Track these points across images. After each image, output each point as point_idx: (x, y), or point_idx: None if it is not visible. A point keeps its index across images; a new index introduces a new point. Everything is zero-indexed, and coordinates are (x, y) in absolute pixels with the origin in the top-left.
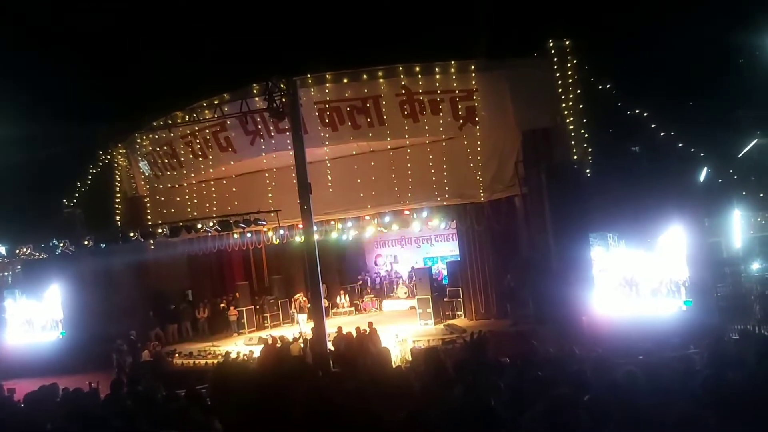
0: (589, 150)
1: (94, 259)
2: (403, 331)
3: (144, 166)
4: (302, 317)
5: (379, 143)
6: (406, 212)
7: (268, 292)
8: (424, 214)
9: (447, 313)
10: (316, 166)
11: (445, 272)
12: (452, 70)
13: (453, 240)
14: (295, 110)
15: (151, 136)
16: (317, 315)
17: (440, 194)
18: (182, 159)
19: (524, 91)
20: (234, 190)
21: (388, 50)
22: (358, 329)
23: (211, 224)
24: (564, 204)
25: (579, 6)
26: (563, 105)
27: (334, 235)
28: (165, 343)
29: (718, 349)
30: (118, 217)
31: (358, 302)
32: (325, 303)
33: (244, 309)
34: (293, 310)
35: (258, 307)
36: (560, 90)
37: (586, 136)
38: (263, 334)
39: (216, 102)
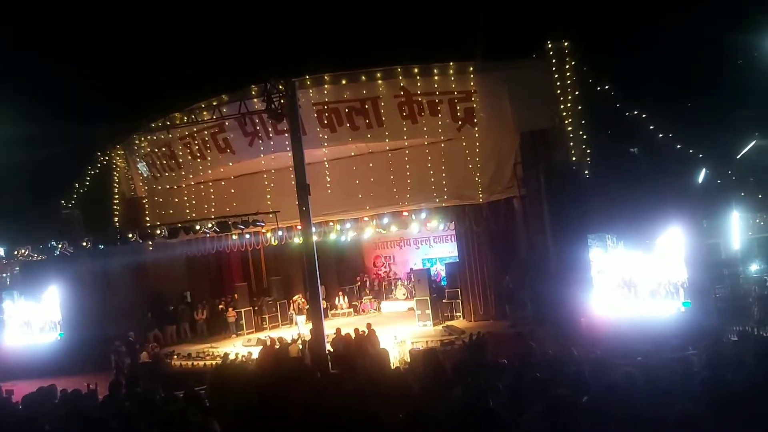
0: (588, 151)
1: (92, 261)
2: (401, 332)
3: (142, 167)
4: (301, 318)
5: (377, 144)
6: (405, 213)
7: (267, 293)
8: (423, 215)
9: (446, 314)
10: (314, 167)
11: (443, 273)
12: (451, 71)
13: (451, 241)
14: (294, 111)
15: (149, 137)
16: (316, 316)
17: (439, 195)
18: (181, 160)
19: (523, 92)
20: (232, 191)
21: (386, 51)
22: (356, 330)
23: (209, 225)
24: (562, 205)
25: (577, 7)
26: (562, 106)
27: (332, 236)
28: (163, 344)
29: (716, 351)
30: (116, 219)
31: (356, 303)
32: (323, 304)
33: (242, 310)
34: (292, 311)
35: (256, 308)
36: (559, 91)
37: (585, 137)
38: (262, 335)
39: (214, 103)
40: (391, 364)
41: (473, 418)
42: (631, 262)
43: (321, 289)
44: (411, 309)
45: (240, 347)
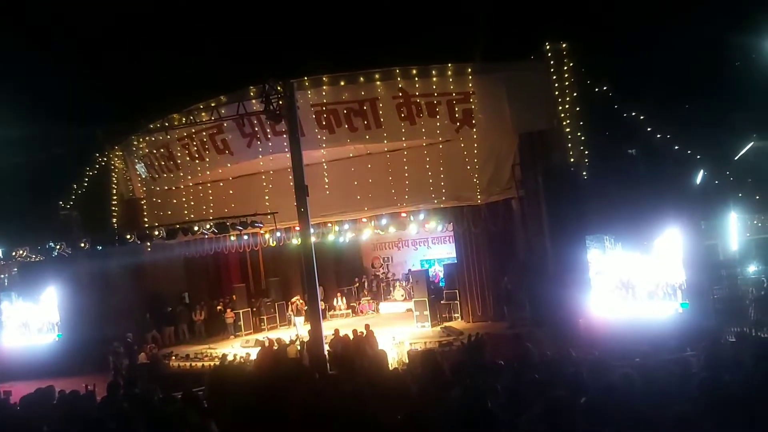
0: (586, 153)
1: (90, 262)
2: (400, 333)
3: (141, 168)
4: (299, 320)
5: (376, 146)
6: (403, 214)
7: (265, 294)
8: (421, 216)
9: (444, 315)
10: (313, 168)
11: (442, 274)
12: (449, 72)
13: (450, 242)
14: (292, 113)
15: (147, 138)
16: (314, 317)
17: (437, 197)
18: (179, 161)
19: (521, 93)
20: (231, 192)
21: (385, 52)
22: (354, 331)
23: (207, 226)
24: (561, 206)
25: (576, 8)
26: (560, 107)
27: (331, 237)
28: (162, 345)
29: (714, 352)
30: (114, 220)
31: (355, 304)
32: (321, 305)
33: (240, 311)
34: (290, 312)
35: (255, 309)
36: (557, 93)
37: (583, 138)
38: (260, 336)
39: (213, 104)
40: (390, 365)
41: (471, 419)
42: (629, 263)
43: (319, 290)
44: (409, 310)
45: (238, 348)
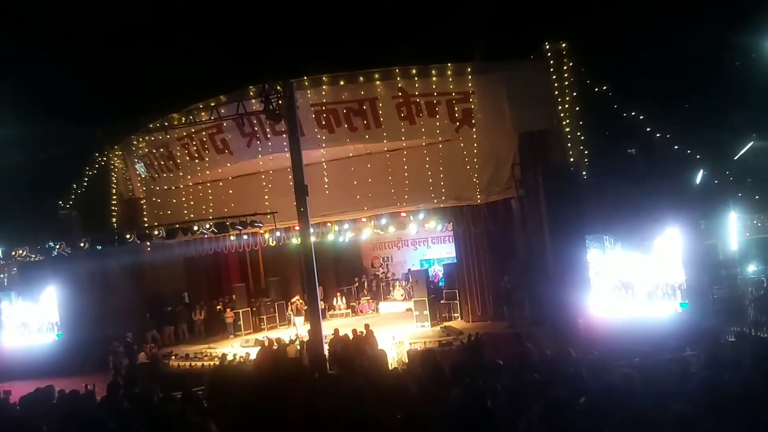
0: (586, 152)
1: (90, 261)
2: (399, 333)
3: (140, 167)
4: (299, 319)
5: (375, 145)
6: (403, 214)
7: (265, 294)
8: (421, 216)
9: (444, 315)
10: (312, 168)
11: (441, 274)
12: (449, 72)
13: (450, 242)
14: (292, 112)
15: (147, 137)
16: (314, 317)
17: (437, 196)
18: (179, 161)
19: (521, 93)
20: (230, 192)
21: (384, 52)
22: (354, 331)
23: (207, 226)
24: (560, 206)
25: (575, 8)
26: (560, 107)
27: (330, 237)
28: (161, 345)
29: (714, 352)
30: (114, 219)
31: (354, 304)
32: (321, 305)
33: (240, 311)
34: (290, 312)
35: (254, 309)
36: (557, 92)
37: (583, 138)
38: (260, 336)
39: (212, 104)
40: (389, 365)
41: (471, 418)
42: (628, 263)
43: (319, 290)
44: (409, 310)
45: (238, 348)
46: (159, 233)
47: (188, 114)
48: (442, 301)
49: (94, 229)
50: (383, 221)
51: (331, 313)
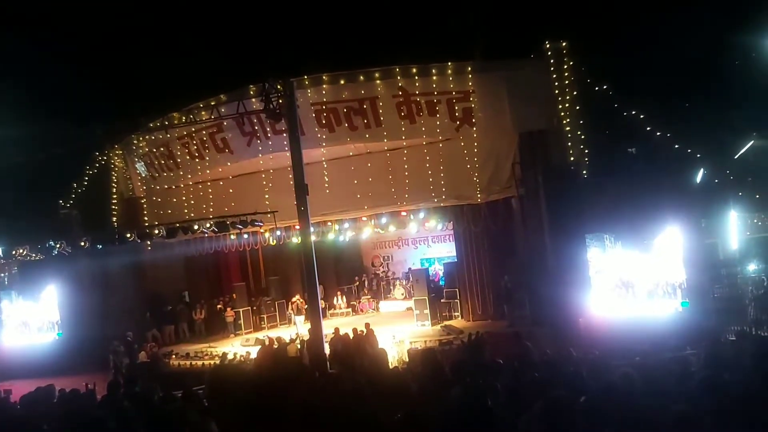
0: (586, 151)
1: (90, 261)
2: (400, 332)
3: (141, 167)
4: (299, 318)
5: (375, 144)
6: (403, 213)
7: (265, 293)
8: (421, 215)
9: (444, 314)
10: (313, 167)
11: (442, 273)
12: (449, 71)
13: (450, 241)
14: (292, 111)
15: (147, 137)
16: (314, 316)
17: (437, 195)
18: (179, 160)
19: (521, 92)
20: (231, 191)
21: (384, 51)
22: (355, 330)
23: (207, 225)
24: (561, 205)
25: (575, 8)
26: (560, 106)
27: (331, 236)
28: (162, 344)
29: (714, 351)
30: (114, 218)
31: (355, 303)
32: (322, 304)
33: (240, 310)
34: (290, 311)
35: (255, 308)
36: (557, 91)
37: (583, 137)
38: (260, 335)
39: (213, 103)
40: (390, 364)
41: (471, 417)
42: (629, 262)
43: (319, 289)
44: (409, 309)
45: (238, 347)
46: (159, 232)
47: (188, 113)
48: (442, 300)
49: (94, 229)
50: (383, 220)
51: (331, 312)
